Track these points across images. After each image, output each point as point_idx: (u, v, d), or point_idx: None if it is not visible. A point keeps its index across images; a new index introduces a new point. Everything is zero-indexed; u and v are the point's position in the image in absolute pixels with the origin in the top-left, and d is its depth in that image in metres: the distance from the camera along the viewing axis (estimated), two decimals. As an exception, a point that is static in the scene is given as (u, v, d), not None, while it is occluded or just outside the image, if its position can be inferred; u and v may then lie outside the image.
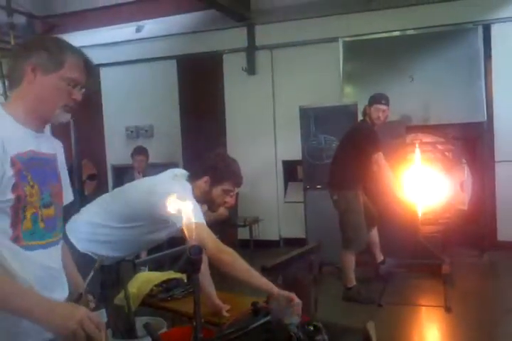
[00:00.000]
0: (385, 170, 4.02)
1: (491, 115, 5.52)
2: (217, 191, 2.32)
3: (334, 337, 1.84)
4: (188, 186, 2.30)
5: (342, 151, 4.32)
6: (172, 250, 3.25)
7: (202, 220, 2.14)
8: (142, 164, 5.68)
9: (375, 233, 4.58)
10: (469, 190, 5.60)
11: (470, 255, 5.30)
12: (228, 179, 2.32)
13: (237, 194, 6.17)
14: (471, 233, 5.41)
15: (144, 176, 5.84)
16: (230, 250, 2.08)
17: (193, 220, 2.03)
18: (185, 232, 2.04)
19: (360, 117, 5.10)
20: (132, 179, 5.51)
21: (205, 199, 2.34)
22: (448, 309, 3.81)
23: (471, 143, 5.68)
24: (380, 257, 4.71)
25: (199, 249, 1.51)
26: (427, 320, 3.93)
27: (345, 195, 4.19)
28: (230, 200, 2.36)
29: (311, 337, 1.83)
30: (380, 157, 3.99)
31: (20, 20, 7.24)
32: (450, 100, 5.56)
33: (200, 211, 2.15)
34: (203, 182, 2.32)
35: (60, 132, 8.61)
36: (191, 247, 1.51)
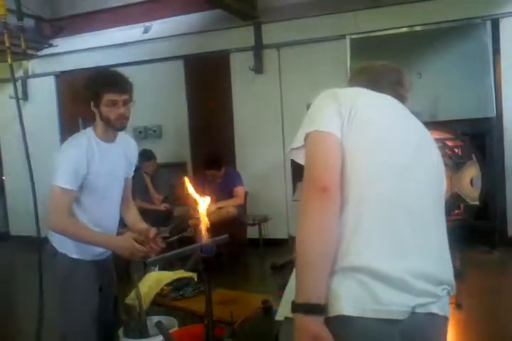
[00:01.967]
0: None
1: (500, 110, 5.49)
2: (104, 109, 2.17)
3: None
4: (88, 133, 2.24)
5: None
6: (182, 249, 3.26)
7: (59, 184, 2.11)
8: (151, 168, 5.75)
9: None
10: (479, 186, 5.57)
11: (480, 251, 5.27)
12: (102, 91, 2.14)
13: (247, 193, 6.19)
14: (481, 229, 5.38)
15: (152, 178, 5.90)
16: (69, 222, 2.16)
17: (55, 182, 2.11)
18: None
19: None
20: (141, 179, 5.55)
21: (104, 124, 2.21)
22: (458, 305, 3.80)
23: (480, 138, 5.64)
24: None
25: (210, 248, 1.53)
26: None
27: None
28: (123, 110, 2.17)
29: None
30: None
31: (28, 23, 7.31)
32: (459, 96, 5.53)
33: (67, 174, 2.11)
34: (93, 109, 2.21)
35: (68, 133, 8.67)
36: (202, 246, 1.53)
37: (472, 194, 5.60)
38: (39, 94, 7.89)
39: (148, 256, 2.13)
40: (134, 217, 2.51)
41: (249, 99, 6.65)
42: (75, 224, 2.18)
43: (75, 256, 2.25)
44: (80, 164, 2.14)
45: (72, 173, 2.12)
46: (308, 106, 5.66)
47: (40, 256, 2.68)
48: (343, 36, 6.06)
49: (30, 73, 7.93)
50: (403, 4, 5.78)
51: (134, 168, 2.50)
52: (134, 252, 2.15)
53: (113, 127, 2.23)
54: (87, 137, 2.22)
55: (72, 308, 2.23)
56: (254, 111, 6.60)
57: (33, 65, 7.91)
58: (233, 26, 6.55)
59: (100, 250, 2.32)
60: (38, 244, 2.71)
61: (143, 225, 2.43)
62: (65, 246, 2.25)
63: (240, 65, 6.65)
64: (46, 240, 2.33)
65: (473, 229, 5.29)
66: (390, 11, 5.84)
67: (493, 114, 5.47)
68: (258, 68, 6.53)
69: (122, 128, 2.25)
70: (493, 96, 5.45)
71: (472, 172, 5.63)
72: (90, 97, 2.19)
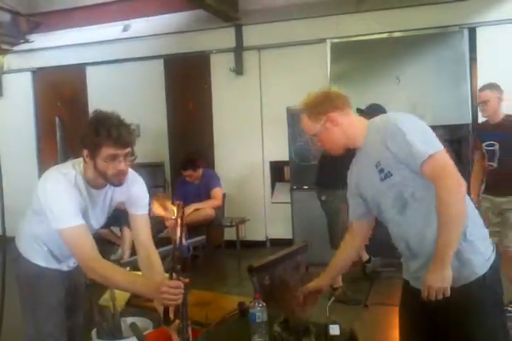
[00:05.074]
0: None
1: (476, 117, 5.58)
2: (101, 163, 1.91)
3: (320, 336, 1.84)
4: (70, 175, 1.99)
5: None
6: (159, 250, 3.22)
7: (65, 225, 1.90)
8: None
9: None
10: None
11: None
12: (102, 144, 1.87)
13: (225, 194, 6.16)
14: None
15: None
16: (105, 264, 1.93)
17: (59, 227, 1.91)
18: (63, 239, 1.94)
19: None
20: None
21: (99, 176, 1.98)
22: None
23: (456, 144, 5.73)
24: (365, 256, 4.75)
25: (187, 249, 1.51)
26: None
27: (334, 196, 4.20)
28: (121, 166, 1.93)
29: (298, 338, 1.84)
30: None
31: (4, 17, 7.16)
32: (436, 102, 5.60)
33: (67, 210, 1.90)
34: (86, 157, 1.95)
35: (45, 131, 8.53)
36: (179, 247, 1.50)
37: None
38: (15, 90, 7.73)
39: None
40: (153, 271, 2.12)
41: (229, 100, 6.63)
42: (109, 268, 1.94)
43: (40, 264, 2.15)
44: (73, 197, 1.95)
45: (72, 207, 1.92)
46: (287, 109, 5.70)
47: (5, 255, 2.59)
48: (323, 40, 6.10)
49: (5, 68, 7.77)
50: (383, 10, 5.85)
51: (145, 207, 2.21)
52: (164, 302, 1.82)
53: (109, 182, 2.00)
54: (73, 179, 1.98)
55: (37, 314, 2.14)
56: (234, 113, 6.59)
57: (9, 60, 7.75)
58: (214, 27, 6.53)
59: (71, 265, 2.23)
60: (3, 243, 2.63)
61: (159, 277, 2.06)
62: (31, 254, 2.15)
63: (220, 66, 6.63)
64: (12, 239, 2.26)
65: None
66: (370, 16, 5.91)
67: (469, 120, 5.56)
68: (238, 70, 6.52)
69: (120, 184, 2.00)
70: (470, 103, 5.54)
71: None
72: (84, 145, 1.92)
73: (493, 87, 3.89)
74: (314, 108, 1.89)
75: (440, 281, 1.61)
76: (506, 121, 3.80)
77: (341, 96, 1.91)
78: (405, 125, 1.73)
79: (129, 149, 1.93)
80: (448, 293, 1.61)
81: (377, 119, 1.87)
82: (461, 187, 1.62)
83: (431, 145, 1.67)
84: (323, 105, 1.87)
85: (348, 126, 1.86)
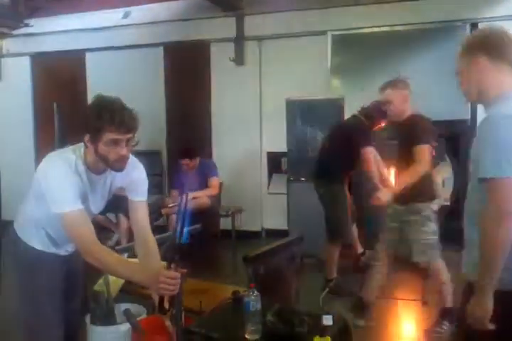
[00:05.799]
0: (374, 165, 4.08)
1: (475, 113, 5.58)
2: (102, 148, 1.90)
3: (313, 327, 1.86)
4: (71, 159, 1.97)
5: (332, 145, 4.31)
6: (155, 237, 3.23)
7: (64, 209, 1.90)
8: None
9: (353, 227, 4.65)
10: (451, 186, 5.67)
11: (449, 250, 5.36)
12: (104, 128, 1.86)
13: (221, 183, 6.15)
14: (450, 228, 5.47)
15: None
16: (103, 249, 1.94)
17: (58, 211, 1.90)
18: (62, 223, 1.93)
19: (346, 111, 5.13)
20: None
21: (101, 161, 1.97)
22: (424, 303, 3.88)
23: (454, 140, 5.74)
24: (359, 249, 4.77)
25: (186, 236, 1.52)
26: (404, 314, 3.99)
27: (332, 189, 4.20)
28: (123, 152, 1.92)
29: (292, 327, 1.85)
30: (369, 151, 4.02)
31: (3, 0, 7.07)
32: (435, 97, 5.59)
33: (65, 194, 1.90)
34: (87, 141, 1.94)
35: (43, 116, 8.44)
36: (179, 234, 1.51)
37: (444, 194, 5.69)
38: (13, 75, 7.67)
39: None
40: (150, 258, 2.12)
41: (228, 90, 6.60)
42: (107, 254, 1.95)
43: (38, 247, 2.15)
44: (73, 182, 1.95)
45: (71, 192, 1.92)
46: (287, 101, 5.66)
47: (0, 239, 2.59)
48: (324, 32, 6.07)
49: (4, 52, 7.72)
50: (385, 3, 5.82)
51: (144, 193, 2.21)
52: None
53: (110, 168, 2.00)
54: (73, 164, 1.97)
55: (34, 297, 2.14)
56: (233, 103, 6.57)
57: (8, 44, 7.69)
58: (215, 16, 6.48)
59: (69, 249, 2.23)
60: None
61: (155, 265, 2.05)
62: (29, 237, 2.15)
63: (220, 56, 6.59)
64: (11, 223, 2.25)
65: (442, 228, 5.38)
66: (372, 9, 5.88)
67: (467, 116, 5.56)
68: (239, 60, 6.48)
69: (121, 169, 2.00)
70: (469, 98, 5.54)
71: (444, 173, 5.73)
72: (86, 129, 1.91)
73: (396, 84, 3.39)
74: (466, 45, 1.77)
75: (478, 311, 1.57)
76: (407, 121, 3.36)
77: (503, 47, 1.67)
78: (493, 135, 1.62)
79: (131, 134, 1.94)
80: (485, 326, 1.56)
81: (496, 108, 1.68)
82: (504, 221, 1.52)
83: (499, 168, 1.56)
84: (474, 45, 1.73)
85: (488, 81, 1.69)
